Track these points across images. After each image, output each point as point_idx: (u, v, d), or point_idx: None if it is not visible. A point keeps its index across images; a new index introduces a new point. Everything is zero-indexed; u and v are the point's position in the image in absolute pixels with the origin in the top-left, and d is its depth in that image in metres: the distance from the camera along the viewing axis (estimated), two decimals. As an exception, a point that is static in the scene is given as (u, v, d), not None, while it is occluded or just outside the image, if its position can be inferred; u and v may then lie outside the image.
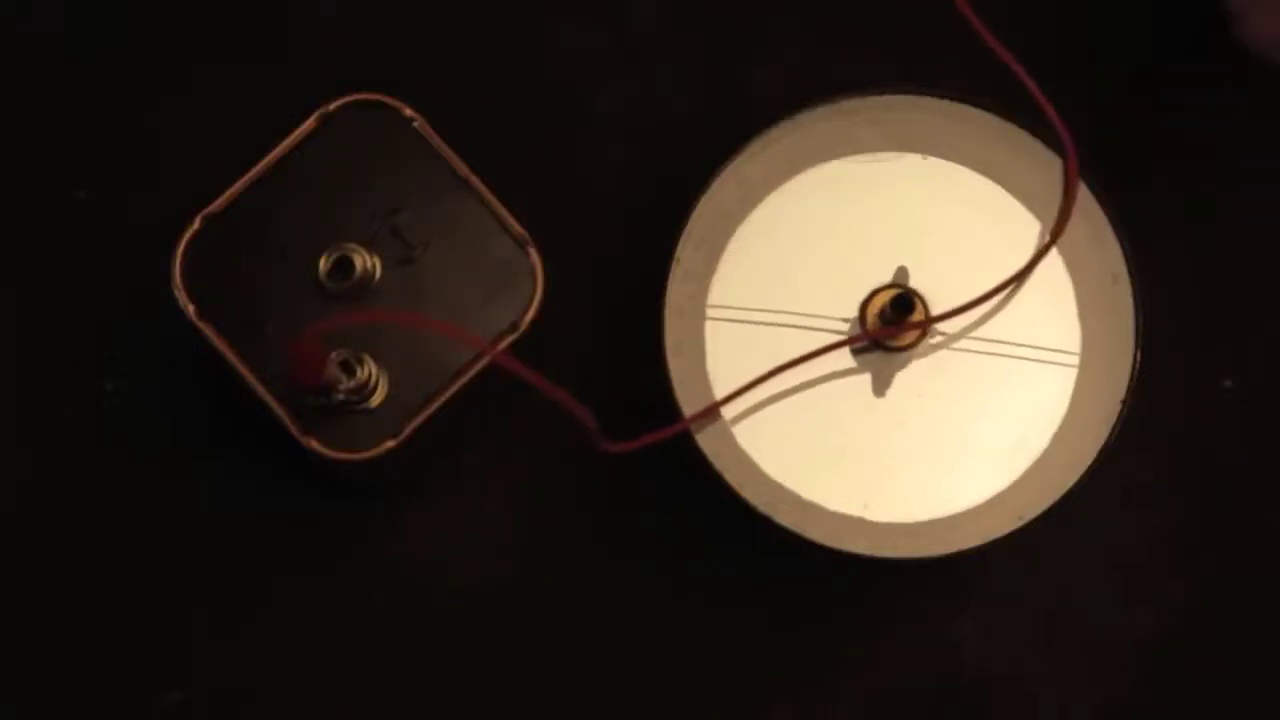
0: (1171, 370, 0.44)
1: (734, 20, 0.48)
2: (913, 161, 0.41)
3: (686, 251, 0.41)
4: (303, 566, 0.46)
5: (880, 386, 0.40)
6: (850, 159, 0.41)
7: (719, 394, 0.40)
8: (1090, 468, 0.39)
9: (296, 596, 0.45)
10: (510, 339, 0.39)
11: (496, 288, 0.40)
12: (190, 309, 0.39)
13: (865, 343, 0.40)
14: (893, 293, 0.39)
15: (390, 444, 0.39)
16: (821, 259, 0.40)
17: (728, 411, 0.40)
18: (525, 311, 0.40)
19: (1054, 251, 0.40)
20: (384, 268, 0.40)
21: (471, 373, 0.39)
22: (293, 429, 0.39)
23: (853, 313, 0.40)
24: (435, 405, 0.39)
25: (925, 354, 0.40)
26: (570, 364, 0.46)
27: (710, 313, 0.40)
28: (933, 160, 0.41)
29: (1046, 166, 0.41)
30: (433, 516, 0.46)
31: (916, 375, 0.40)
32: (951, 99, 0.41)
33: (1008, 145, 0.41)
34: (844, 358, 0.40)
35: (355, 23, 0.48)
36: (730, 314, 0.40)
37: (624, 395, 0.46)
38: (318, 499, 0.45)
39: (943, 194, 0.41)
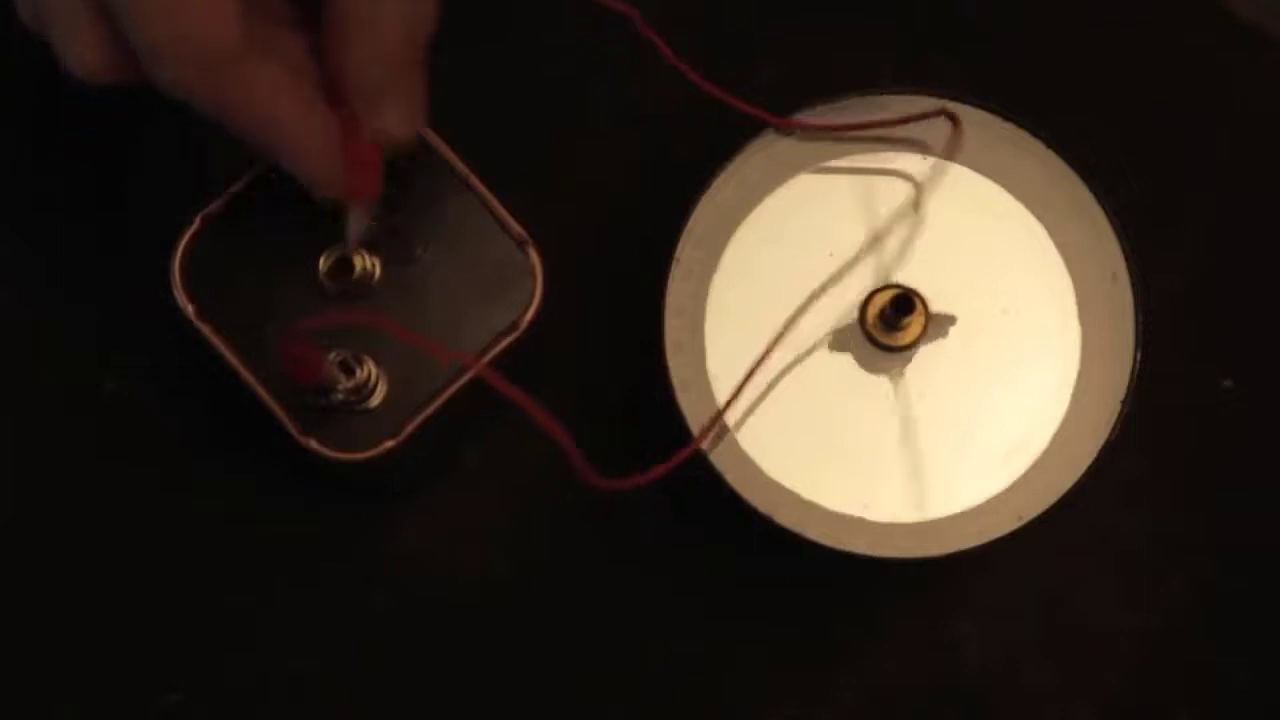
0: (1171, 370, 0.44)
1: (734, 20, 0.48)
2: (913, 162, 0.41)
3: (686, 251, 0.41)
4: (303, 566, 0.46)
5: (880, 386, 0.40)
6: (850, 159, 0.41)
7: (719, 394, 0.40)
8: (1090, 468, 0.39)
9: (296, 596, 0.45)
10: (507, 342, 0.39)
11: (496, 288, 0.40)
12: (190, 309, 0.39)
13: (862, 340, 0.40)
14: (892, 293, 0.39)
15: (390, 444, 0.39)
16: (821, 259, 0.40)
17: (727, 412, 0.40)
18: (525, 311, 0.40)
19: (1054, 251, 0.40)
20: (384, 268, 0.39)
21: (471, 373, 0.39)
22: (292, 429, 0.39)
23: (852, 313, 0.40)
24: (435, 405, 0.39)
25: (925, 354, 0.40)
26: (570, 364, 0.46)
27: (710, 312, 0.40)
28: (933, 160, 0.41)
29: (1047, 166, 0.41)
30: (433, 516, 0.46)
31: (916, 375, 0.40)
32: (951, 99, 0.41)
33: (1008, 145, 0.41)
34: (843, 357, 0.40)
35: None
36: (730, 314, 0.40)
37: (624, 395, 0.46)
38: (318, 499, 0.45)
39: (942, 194, 0.41)
